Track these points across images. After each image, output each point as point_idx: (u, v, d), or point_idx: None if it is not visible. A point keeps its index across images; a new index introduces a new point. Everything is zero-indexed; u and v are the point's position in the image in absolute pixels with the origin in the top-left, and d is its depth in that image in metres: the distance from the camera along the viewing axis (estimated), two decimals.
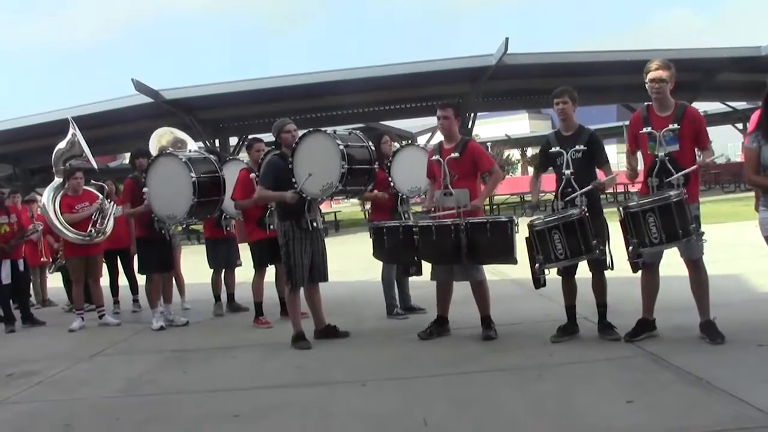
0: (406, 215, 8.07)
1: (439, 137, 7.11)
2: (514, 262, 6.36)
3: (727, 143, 51.53)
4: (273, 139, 7.29)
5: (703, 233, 5.68)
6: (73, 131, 9.85)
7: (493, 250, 6.41)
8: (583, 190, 6.00)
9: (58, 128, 12.48)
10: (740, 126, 42.77)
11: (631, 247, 5.72)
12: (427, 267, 6.95)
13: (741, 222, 13.90)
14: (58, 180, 9.55)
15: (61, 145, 9.92)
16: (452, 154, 6.68)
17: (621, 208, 5.82)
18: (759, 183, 5.55)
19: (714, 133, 6.02)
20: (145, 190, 8.08)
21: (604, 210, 6.25)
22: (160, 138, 9.68)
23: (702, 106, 26.16)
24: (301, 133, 7.03)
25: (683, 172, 5.60)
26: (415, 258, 6.95)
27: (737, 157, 46.33)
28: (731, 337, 5.64)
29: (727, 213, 16.90)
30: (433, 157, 6.84)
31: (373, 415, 4.78)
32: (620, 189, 23.56)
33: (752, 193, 6.13)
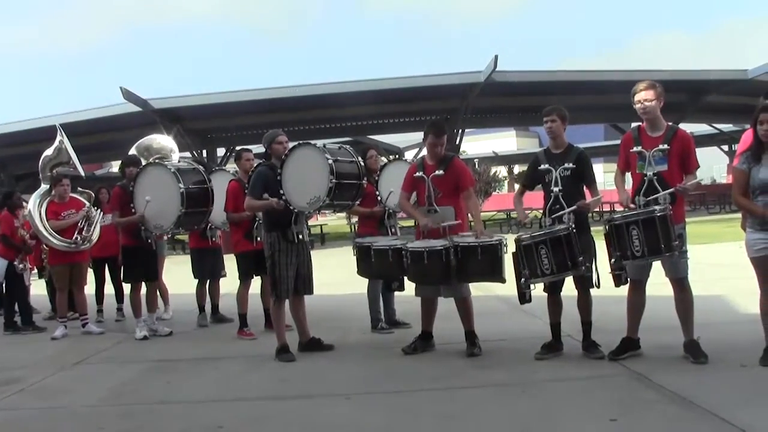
0: (393, 229, 8.08)
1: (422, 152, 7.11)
2: (503, 281, 6.38)
3: (713, 165, 51.97)
4: (262, 150, 7.30)
5: (686, 251, 5.73)
6: (61, 138, 9.81)
7: (483, 270, 6.41)
8: (570, 209, 6.03)
9: (46, 135, 12.44)
10: (726, 148, 43.16)
11: (613, 260, 5.77)
12: (410, 283, 6.94)
13: (726, 243, 14.00)
14: (44, 187, 9.50)
15: (49, 151, 9.86)
16: (437, 171, 6.68)
17: (605, 222, 5.86)
18: (745, 205, 5.59)
19: (700, 154, 6.06)
20: (147, 198, 8.04)
21: (591, 228, 6.28)
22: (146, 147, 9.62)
23: (689, 128, 26.30)
24: (290, 145, 7.04)
25: (662, 193, 5.63)
26: (394, 276, 6.97)
27: (723, 178, 46.75)
28: (715, 357, 5.67)
29: (713, 234, 17.01)
30: (417, 174, 6.82)
31: (356, 429, 4.78)
32: (606, 208, 23.64)
33: (738, 215, 6.18)
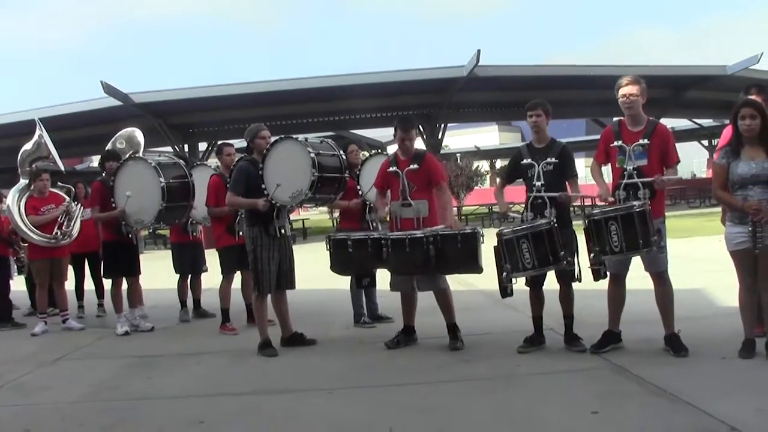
0: (375, 223, 8.06)
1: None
2: (480, 270, 6.38)
3: (693, 159, 52.38)
4: (243, 145, 7.27)
5: (664, 246, 5.77)
6: (40, 132, 9.70)
7: (461, 259, 6.41)
8: (550, 194, 6.06)
9: (24, 129, 12.32)
10: (706, 143, 43.53)
11: (592, 255, 5.80)
12: (381, 278, 6.92)
13: (706, 237, 14.11)
14: (23, 181, 9.41)
15: (27, 146, 9.75)
16: (411, 166, 6.69)
17: (585, 217, 5.89)
18: (724, 199, 5.64)
19: (680, 149, 6.11)
20: (128, 194, 7.98)
21: (573, 222, 6.30)
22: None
23: (670, 123, 26.53)
24: (272, 140, 7.02)
25: (643, 191, 5.68)
26: (370, 269, 6.97)
27: (703, 173, 47.11)
28: (695, 350, 5.71)
29: (693, 228, 17.12)
30: (390, 169, 6.83)
31: (339, 423, 4.77)
32: (588, 202, 23.74)
33: (717, 209, 6.23)
